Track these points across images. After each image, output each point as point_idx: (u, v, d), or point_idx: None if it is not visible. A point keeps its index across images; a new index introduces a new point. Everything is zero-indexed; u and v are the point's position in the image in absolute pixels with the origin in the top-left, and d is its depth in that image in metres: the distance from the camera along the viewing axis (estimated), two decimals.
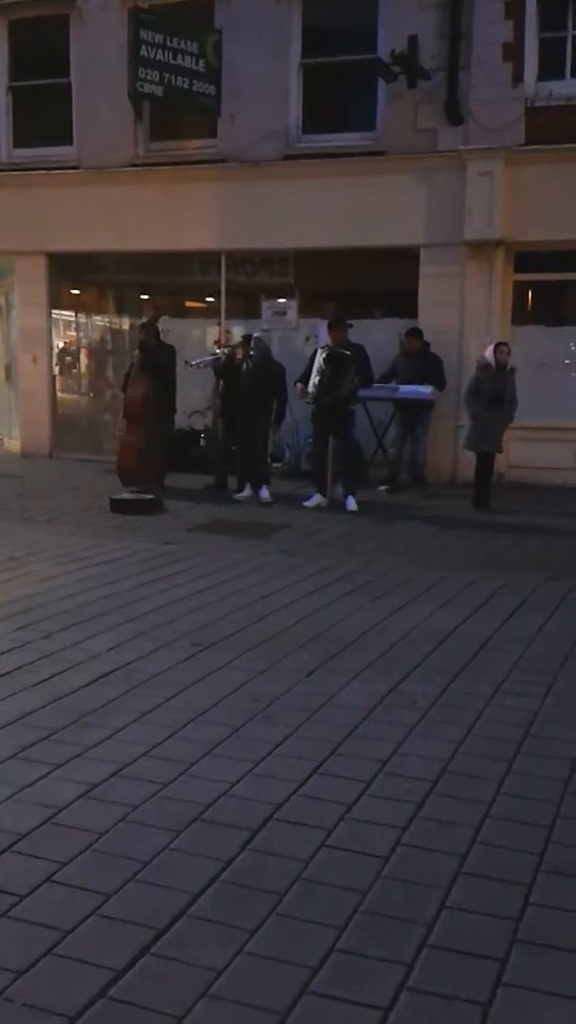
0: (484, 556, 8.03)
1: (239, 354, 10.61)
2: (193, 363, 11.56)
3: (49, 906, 2.83)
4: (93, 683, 4.68)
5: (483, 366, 10.25)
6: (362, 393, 10.80)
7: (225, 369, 10.90)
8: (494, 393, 10.10)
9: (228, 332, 12.59)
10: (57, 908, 2.81)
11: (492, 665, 5.12)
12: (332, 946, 2.67)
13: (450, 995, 2.48)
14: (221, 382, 11.23)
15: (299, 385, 10.49)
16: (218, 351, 11.49)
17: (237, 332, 12.18)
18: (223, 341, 12.39)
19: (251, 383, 10.45)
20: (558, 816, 3.45)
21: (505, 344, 10.35)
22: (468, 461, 10.87)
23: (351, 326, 10.55)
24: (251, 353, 10.54)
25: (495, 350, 10.19)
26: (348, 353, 10.13)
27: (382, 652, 5.29)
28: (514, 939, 2.73)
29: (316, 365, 10.18)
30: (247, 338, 10.94)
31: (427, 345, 11.64)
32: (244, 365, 10.58)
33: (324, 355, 10.13)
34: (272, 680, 4.77)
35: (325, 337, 10.70)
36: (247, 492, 10.60)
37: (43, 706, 4.36)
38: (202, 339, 13.71)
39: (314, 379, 10.14)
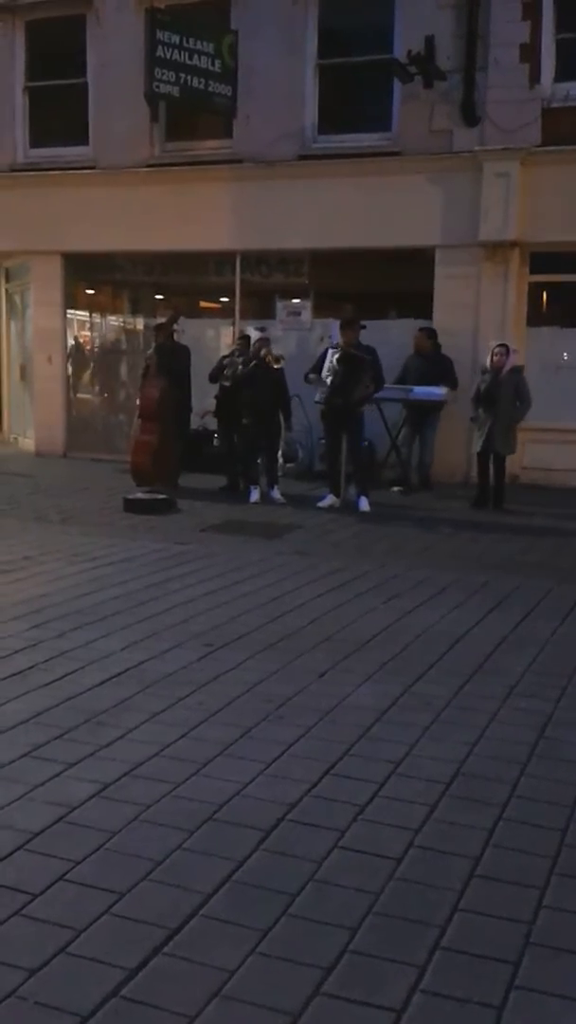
0: (497, 558, 8.01)
1: (269, 358, 10.54)
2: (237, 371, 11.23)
3: (62, 905, 2.83)
4: (106, 682, 4.69)
5: (482, 369, 10.40)
6: (376, 395, 10.79)
7: (249, 374, 10.74)
8: (487, 394, 10.15)
9: (244, 331, 12.55)
10: (70, 907, 2.82)
11: (505, 667, 5.11)
12: (345, 947, 2.67)
13: (463, 998, 2.48)
14: (226, 385, 11.11)
15: (312, 376, 10.50)
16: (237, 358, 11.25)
17: (254, 334, 12.15)
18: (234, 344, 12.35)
19: (269, 383, 10.45)
20: (571, 819, 3.44)
21: (502, 345, 10.34)
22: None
23: (364, 327, 10.54)
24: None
25: (491, 352, 10.31)
26: (366, 357, 10.12)
27: (395, 653, 5.28)
28: (527, 942, 2.72)
29: (328, 364, 10.18)
30: (257, 339, 10.88)
31: (439, 346, 11.64)
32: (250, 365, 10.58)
33: (337, 355, 10.12)
34: (285, 681, 4.77)
35: (338, 336, 10.69)
36: (256, 494, 10.55)
37: (56, 705, 4.37)
38: (216, 339, 13.73)
39: (326, 377, 10.15)
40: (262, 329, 11.31)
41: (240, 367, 10.70)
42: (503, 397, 10.10)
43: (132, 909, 2.82)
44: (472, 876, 3.05)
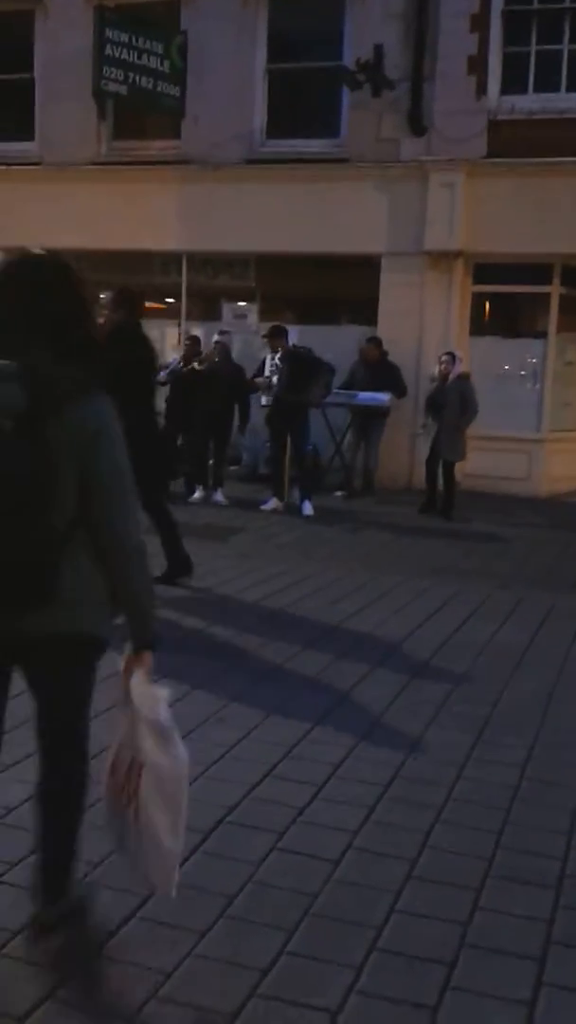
0: (438, 564, 8.08)
1: (212, 358, 10.64)
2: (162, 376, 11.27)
3: None
4: None
5: (431, 377, 10.77)
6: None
7: (191, 374, 10.77)
8: (433, 401, 10.49)
9: (189, 333, 12.53)
10: (4, 911, 2.78)
11: (444, 671, 5.16)
12: (282, 949, 2.68)
13: (399, 998, 2.49)
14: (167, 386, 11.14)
15: (258, 379, 10.62)
16: (178, 359, 11.32)
17: (200, 334, 12.14)
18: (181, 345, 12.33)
19: (219, 385, 10.47)
20: (507, 822, 3.48)
21: (448, 354, 10.64)
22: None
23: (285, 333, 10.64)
24: (216, 359, 10.61)
25: (438, 360, 10.66)
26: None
27: (336, 657, 5.30)
28: (462, 943, 2.75)
29: (270, 367, 10.36)
30: (216, 340, 10.94)
31: (386, 354, 11.74)
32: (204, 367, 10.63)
33: (279, 354, 10.26)
34: (226, 683, 4.77)
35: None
36: (199, 495, 10.57)
37: None
38: (161, 340, 13.66)
39: (269, 375, 10.30)
40: (224, 332, 11.32)
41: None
42: (449, 404, 10.28)
43: None
44: (409, 877, 3.08)
